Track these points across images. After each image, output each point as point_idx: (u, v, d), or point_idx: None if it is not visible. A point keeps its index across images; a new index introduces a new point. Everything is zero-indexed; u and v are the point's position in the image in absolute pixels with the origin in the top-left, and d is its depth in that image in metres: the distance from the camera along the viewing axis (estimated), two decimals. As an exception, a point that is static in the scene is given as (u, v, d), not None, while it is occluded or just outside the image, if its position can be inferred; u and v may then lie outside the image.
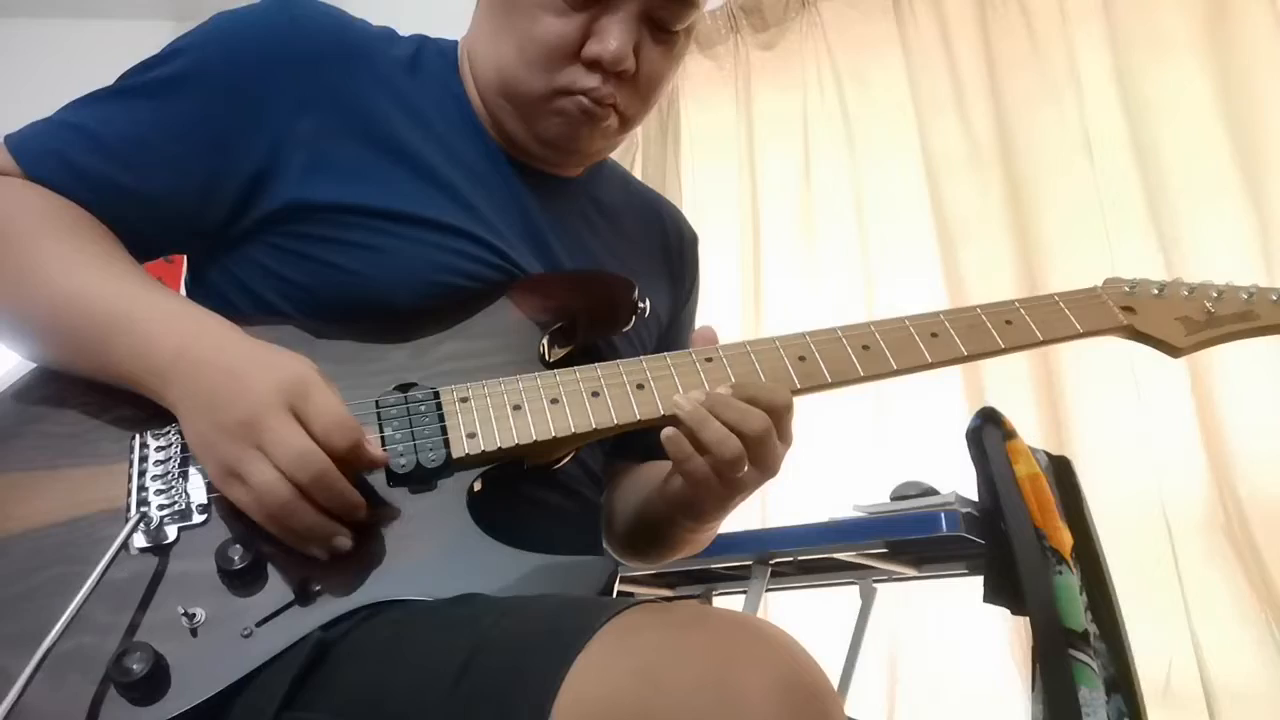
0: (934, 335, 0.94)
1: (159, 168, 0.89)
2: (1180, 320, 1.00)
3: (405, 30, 1.05)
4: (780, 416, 0.84)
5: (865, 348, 0.92)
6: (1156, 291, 1.01)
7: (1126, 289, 1.02)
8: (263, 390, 0.75)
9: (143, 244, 0.92)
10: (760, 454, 0.83)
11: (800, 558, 2.19)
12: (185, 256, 0.99)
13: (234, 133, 0.90)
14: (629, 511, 1.04)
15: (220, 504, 0.78)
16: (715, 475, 0.83)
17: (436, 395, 0.85)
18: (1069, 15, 2.80)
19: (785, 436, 0.86)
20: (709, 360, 0.90)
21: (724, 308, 3.07)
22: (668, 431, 0.83)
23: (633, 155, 3.32)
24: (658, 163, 3.27)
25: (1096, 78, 2.73)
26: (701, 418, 0.82)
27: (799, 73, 3.17)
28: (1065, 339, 0.97)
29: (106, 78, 0.95)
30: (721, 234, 3.17)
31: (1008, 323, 0.96)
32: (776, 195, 3.14)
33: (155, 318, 0.81)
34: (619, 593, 0.82)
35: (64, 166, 0.88)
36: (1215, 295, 1.01)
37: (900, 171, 2.96)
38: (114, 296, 0.82)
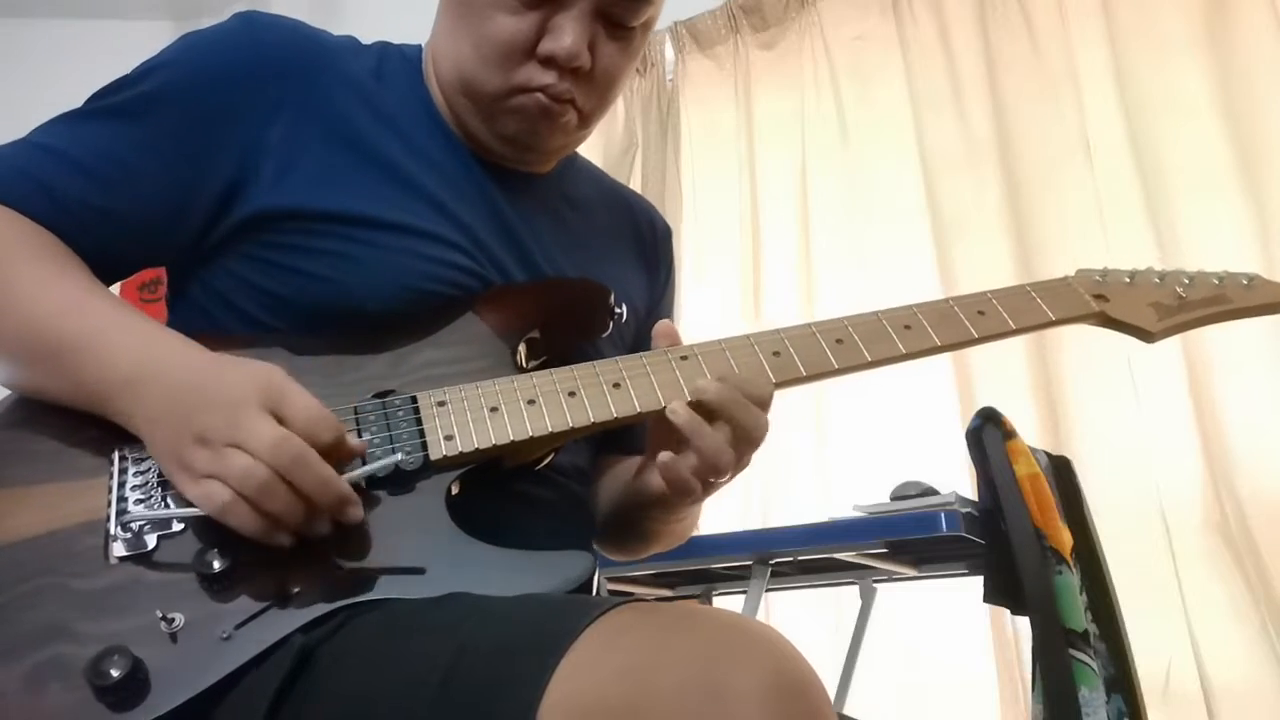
0: (907, 327, 0.94)
1: (135, 185, 0.90)
2: (1152, 306, 1.00)
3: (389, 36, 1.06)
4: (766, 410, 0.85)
5: (839, 341, 0.92)
6: (1128, 280, 1.02)
7: (1098, 278, 1.02)
8: (235, 394, 0.75)
9: (118, 262, 0.92)
10: (746, 452, 0.84)
11: (800, 558, 2.19)
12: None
13: (206, 145, 0.91)
14: (607, 505, 1.05)
15: None
16: (699, 481, 0.84)
17: (414, 400, 0.85)
18: (1068, 14, 2.79)
19: None
20: (684, 358, 0.90)
21: (724, 307, 3.07)
22: (665, 420, 0.84)
23: (633, 155, 3.31)
24: (658, 162, 3.27)
25: (1095, 76, 2.72)
26: (696, 426, 0.83)
27: (799, 72, 3.16)
28: (1038, 327, 0.97)
29: (106, 78, 0.95)
30: (721, 233, 3.16)
31: (980, 313, 0.96)
32: (776, 194, 3.14)
33: (118, 335, 0.81)
34: (618, 592, 0.82)
35: (38, 189, 0.87)
36: (1187, 281, 1.02)
37: (899, 170, 2.95)
38: (86, 316, 0.82)
